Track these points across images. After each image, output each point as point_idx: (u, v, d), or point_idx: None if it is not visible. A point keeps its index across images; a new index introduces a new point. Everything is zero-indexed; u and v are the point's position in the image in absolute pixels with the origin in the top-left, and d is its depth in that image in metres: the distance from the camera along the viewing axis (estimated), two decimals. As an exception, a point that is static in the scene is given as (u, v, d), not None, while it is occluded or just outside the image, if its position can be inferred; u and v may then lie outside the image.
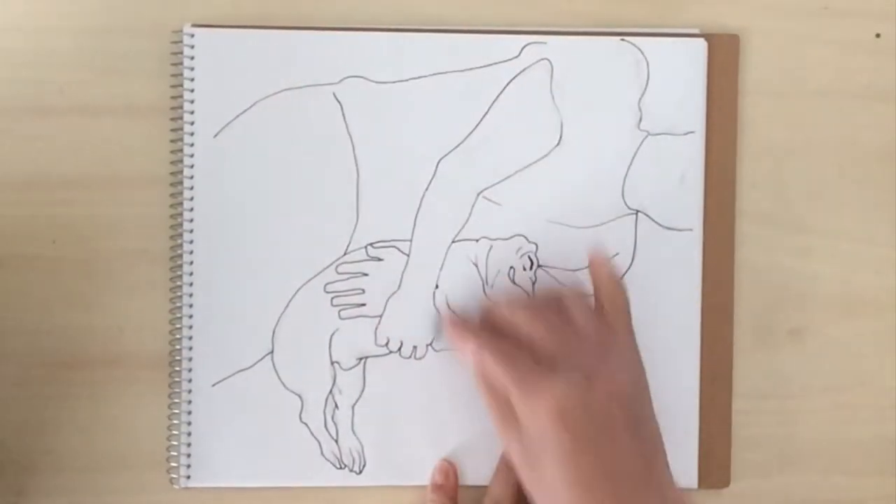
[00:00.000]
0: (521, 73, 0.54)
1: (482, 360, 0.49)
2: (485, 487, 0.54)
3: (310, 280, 0.53)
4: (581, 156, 0.54)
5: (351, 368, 0.54)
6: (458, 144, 0.54)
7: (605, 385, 0.47)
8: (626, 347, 0.50)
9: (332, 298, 0.54)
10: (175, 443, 0.53)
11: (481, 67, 0.54)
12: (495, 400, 0.49)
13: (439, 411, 0.54)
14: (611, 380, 0.47)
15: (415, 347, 0.54)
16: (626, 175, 0.54)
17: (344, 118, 0.53)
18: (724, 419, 0.55)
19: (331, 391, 0.54)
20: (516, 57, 0.54)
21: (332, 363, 0.54)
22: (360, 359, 0.54)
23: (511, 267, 0.54)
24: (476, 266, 0.54)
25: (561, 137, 0.54)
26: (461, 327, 0.52)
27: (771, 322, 0.56)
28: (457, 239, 0.54)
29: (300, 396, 0.54)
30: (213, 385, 0.53)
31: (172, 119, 0.54)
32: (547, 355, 0.48)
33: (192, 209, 0.53)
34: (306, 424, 0.54)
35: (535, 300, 0.54)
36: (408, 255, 0.54)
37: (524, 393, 0.47)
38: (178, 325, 0.53)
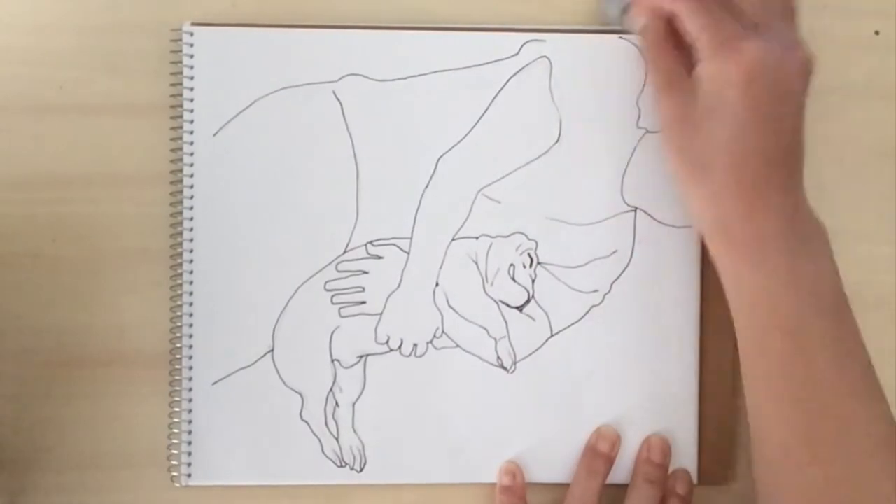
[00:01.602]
0: (520, 70, 0.54)
1: (678, 8, 0.49)
2: (491, 485, 0.54)
3: (310, 278, 0.53)
4: (580, 153, 0.54)
5: (351, 366, 0.54)
6: (458, 142, 0.54)
7: (796, 61, 0.47)
8: (798, 36, 0.50)
9: (333, 296, 0.54)
10: (176, 441, 0.53)
11: (481, 65, 0.54)
12: (663, 59, 0.50)
13: (440, 409, 0.54)
14: (802, 58, 0.48)
15: (415, 345, 0.54)
16: (624, 172, 0.54)
17: (343, 116, 0.53)
18: (726, 415, 0.55)
19: (331, 389, 0.54)
20: (515, 55, 0.54)
21: (333, 361, 0.54)
22: (361, 357, 0.54)
23: (511, 264, 0.54)
24: (476, 263, 0.54)
25: (560, 135, 0.54)
26: None
27: (771, 319, 0.56)
28: (456, 236, 0.54)
29: (301, 394, 0.54)
30: (214, 383, 0.53)
31: (172, 117, 0.54)
32: (747, 22, 0.48)
33: (191, 207, 0.53)
34: (307, 422, 0.54)
35: None
36: (408, 253, 0.54)
37: (719, 49, 0.47)
38: (178, 324, 0.53)
